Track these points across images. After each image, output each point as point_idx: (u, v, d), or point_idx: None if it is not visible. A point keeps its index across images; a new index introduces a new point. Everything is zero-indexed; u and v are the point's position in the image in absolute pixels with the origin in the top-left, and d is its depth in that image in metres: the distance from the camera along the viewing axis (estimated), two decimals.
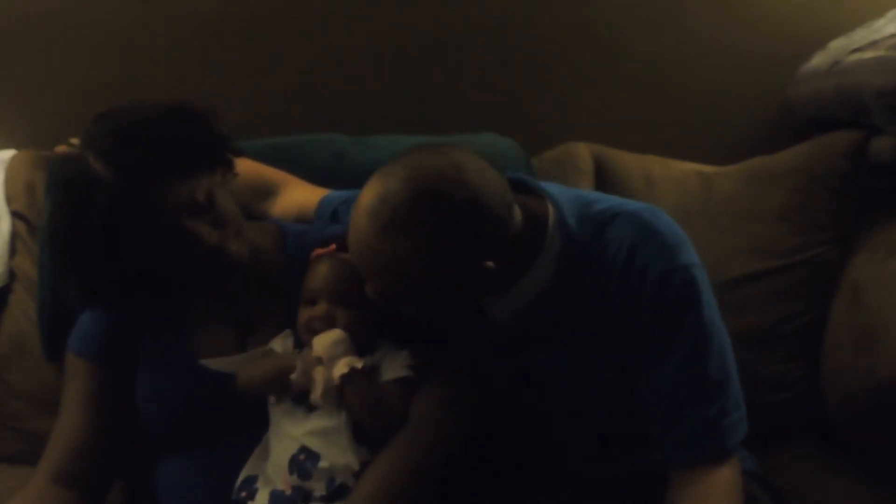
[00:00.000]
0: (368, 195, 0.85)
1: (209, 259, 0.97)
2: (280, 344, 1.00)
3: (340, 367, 0.92)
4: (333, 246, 1.01)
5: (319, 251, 1.02)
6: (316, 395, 0.92)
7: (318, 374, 0.93)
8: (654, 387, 0.91)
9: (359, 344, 0.96)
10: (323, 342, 0.94)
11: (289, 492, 0.91)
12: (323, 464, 0.91)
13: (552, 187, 0.98)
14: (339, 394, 0.93)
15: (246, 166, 1.13)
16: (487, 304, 0.98)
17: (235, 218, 1.01)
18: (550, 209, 0.94)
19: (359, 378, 0.92)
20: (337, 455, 0.92)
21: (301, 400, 0.95)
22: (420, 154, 0.87)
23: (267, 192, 1.23)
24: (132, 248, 0.96)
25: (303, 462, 0.91)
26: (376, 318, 0.99)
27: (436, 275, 0.84)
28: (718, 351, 0.90)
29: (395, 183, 0.83)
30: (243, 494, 0.94)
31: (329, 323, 0.96)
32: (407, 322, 0.99)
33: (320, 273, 0.99)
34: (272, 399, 0.97)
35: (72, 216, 0.93)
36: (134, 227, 0.94)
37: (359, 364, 0.92)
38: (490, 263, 0.86)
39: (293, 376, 0.93)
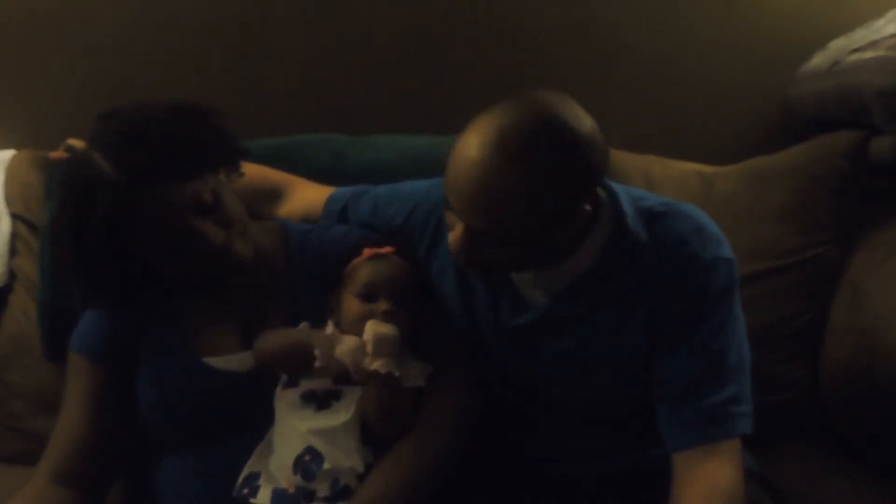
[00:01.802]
0: (483, 129, 0.84)
1: (214, 258, 0.97)
2: None
3: (378, 364, 0.91)
4: (391, 249, 1.02)
5: (374, 251, 1.02)
6: (340, 351, 0.92)
7: (349, 342, 0.93)
8: (675, 364, 0.93)
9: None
10: (376, 330, 0.93)
11: (292, 490, 0.91)
12: (328, 465, 0.91)
13: None
14: (358, 377, 0.93)
15: (252, 170, 1.14)
16: (528, 284, 0.99)
17: (241, 217, 1.01)
18: (604, 194, 0.96)
19: (388, 383, 0.92)
20: (342, 457, 0.92)
21: (310, 397, 0.95)
22: (525, 94, 0.88)
23: (274, 194, 1.23)
24: (136, 248, 0.96)
25: (308, 463, 0.91)
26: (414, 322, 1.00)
27: (546, 207, 0.85)
28: (740, 341, 0.94)
29: (514, 115, 0.84)
30: (245, 491, 0.93)
31: (389, 320, 0.96)
32: (423, 330, 1.01)
33: (380, 271, 1.00)
34: (279, 390, 0.97)
35: (76, 216, 0.93)
36: (139, 227, 0.94)
37: (396, 371, 0.92)
38: (588, 207, 0.88)
39: (317, 355, 0.93)
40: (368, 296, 0.98)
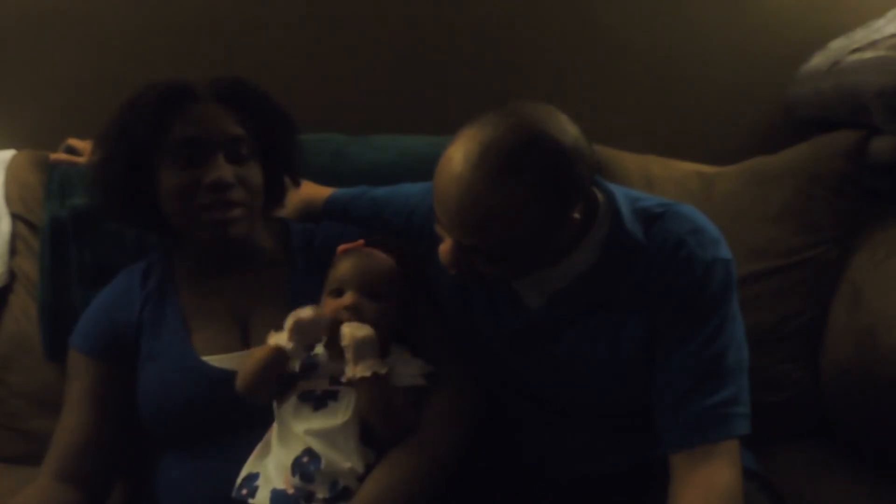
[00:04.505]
0: (467, 146, 0.84)
1: (210, 195, 0.98)
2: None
3: (362, 370, 0.92)
4: (361, 241, 1.02)
5: (345, 246, 1.02)
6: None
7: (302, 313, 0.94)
8: (673, 365, 0.93)
9: (381, 341, 0.95)
10: (353, 333, 0.93)
11: (291, 491, 0.91)
12: (326, 467, 0.91)
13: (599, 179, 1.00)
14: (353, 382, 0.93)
15: None
16: (525, 286, 0.99)
17: (252, 197, 1.02)
18: (600, 196, 0.96)
19: (377, 383, 0.92)
20: (341, 458, 0.92)
21: (306, 397, 0.95)
22: (508, 106, 0.87)
23: None
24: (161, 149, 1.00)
25: (306, 464, 0.91)
26: (397, 316, 0.99)
27: (534, 222, 0.84)
28: (738, 342, 0.94)
29: (497, 130, 0.83)
30: (244, 492, 0.93)
31: (356, 314, 0.96)
32: (421, 329, 1.01)
33: (348, 265, 0.99)
34: (276, 403, 0.97)
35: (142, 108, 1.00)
36: (181, 127, 0.99)
37: (382, 370, 0.92)
38: (576, 215, 0.87)
39: (287, 326, 0.93)
40: (338, 291, 0.98)
